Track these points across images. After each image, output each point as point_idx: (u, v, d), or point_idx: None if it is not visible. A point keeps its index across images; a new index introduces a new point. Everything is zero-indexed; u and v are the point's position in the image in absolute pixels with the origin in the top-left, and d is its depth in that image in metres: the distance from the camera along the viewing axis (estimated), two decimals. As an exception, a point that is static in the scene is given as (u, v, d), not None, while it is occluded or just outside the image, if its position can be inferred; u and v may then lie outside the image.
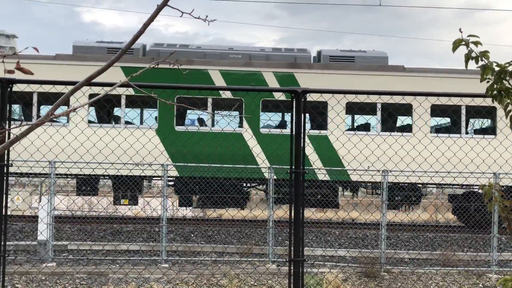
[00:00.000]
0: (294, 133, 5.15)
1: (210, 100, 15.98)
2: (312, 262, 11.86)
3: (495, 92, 2.96)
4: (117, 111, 17.31)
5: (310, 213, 17.15)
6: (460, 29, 2.95)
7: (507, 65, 2.92)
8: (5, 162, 4.64)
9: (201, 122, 16.78)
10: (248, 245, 13.14)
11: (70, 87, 2.60)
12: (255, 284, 10.21)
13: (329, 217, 17.79)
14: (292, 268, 5.12)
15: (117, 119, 17.05)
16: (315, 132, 15.67)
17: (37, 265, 11.07)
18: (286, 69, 16.18)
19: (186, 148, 14.11)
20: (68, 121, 15.48)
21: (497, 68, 2.92)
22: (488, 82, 2.97)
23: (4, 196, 4.67)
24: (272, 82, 15.97)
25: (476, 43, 2.92)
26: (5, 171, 4.65)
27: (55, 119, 15.38)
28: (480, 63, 2.94)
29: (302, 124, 5.17)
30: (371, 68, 16.24)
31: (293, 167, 5.13)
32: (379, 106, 15.83)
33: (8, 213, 15.52)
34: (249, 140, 15.71)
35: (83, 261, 11.77)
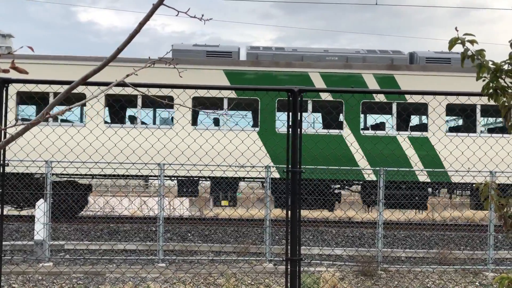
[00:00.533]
0: (290, 132, 5.15)
1: (310, 103, 16.00)
2: (309, 261, 11.87)
3: (491, 90, 2.97)
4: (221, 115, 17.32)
5: (306, 212, 17.18)
6: (456, 28, 2.96)
7: (502, 63, 2.92)
8: (1, 161, 4.63)
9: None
10: (245, 244, 13.15)
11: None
12: (252, 283, 10.21)
13: (325, 216, 17.80)
14: (289, 267, 5.13)
15: (217, 122, 17.07)
16: (417, 133, 15.79)
17: (34, 265, 11.05)
18: (385, 71, 16.22)
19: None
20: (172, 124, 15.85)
21: (492, 67, 2.92)
22: (484, 80, 2.98)
23: (0, 196, 4.66)
24: (372, 83, 15.98)
25: (472, 42, 2.92)
26: (0, 170, 4.63)
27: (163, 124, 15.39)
28: (476, 61, 2.95)
29: (298, 123, 5.17)
30: (468, 70, 16.28)
31: (290, 166, 5.14)
32: (479, 107, 15.86)
33: (4, 212, 15.51)
34: (348, 141, 15.70)
35: (80, 260, 11.76)
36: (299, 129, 5.17)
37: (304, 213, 16.66)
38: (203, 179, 16.12)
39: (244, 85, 15.54)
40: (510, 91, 2.95)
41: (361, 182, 16.25)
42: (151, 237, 13.80)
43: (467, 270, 11.59)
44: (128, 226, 14.60)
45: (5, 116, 4.67)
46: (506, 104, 3.07)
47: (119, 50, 2.57)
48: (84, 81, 2.66)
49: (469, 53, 2.95)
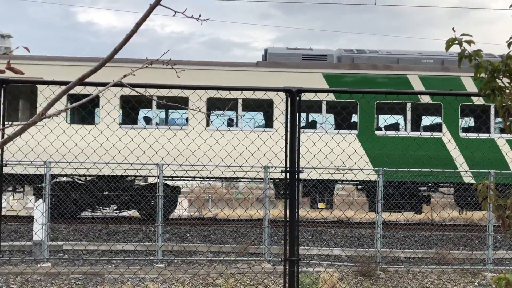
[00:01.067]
0: (288, 132, 5.15)
1: (409, 105, 16.03)
2: (307, 261, 11.87)
3: (488, 90, 2.97)
4: (317, 117, 17.46)
5: (305, 212, 17.18)
6: (453, 28, 2.96)
7: (499, 64, 2.93)
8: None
9: (397, 127, 16.85)
10: (244, 245, 13.14)
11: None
12: (251, 283, 10.21)
13: (324, 216, 17.80)
14: (287, 267, 5.12)
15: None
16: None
17: (32, 266, 11.04)
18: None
19: (385, 152, 14.13)
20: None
21: (490, 67, 2.93)
22: (481, 81, 2.99)
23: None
24: (470, 87, 15.86)
25: (469, 42, 2.93)
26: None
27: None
28: (473, 62, 2.95)
29: (297, 123, 5.17)
30: None
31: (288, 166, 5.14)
32: None
33: (3, 213, 15.48)
34: (448, 144, 15.59)
35: (78, 261, 11.75)
36: (297, 129, 5.17)
37: (303, 213, 16.67)
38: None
39: (344, 88, 15.60)
40: (507, 91, 2.95)
41: (453, 184, 16.05)
42: (150, 237, 13.80)
43: (465, 270, 11.59)
44: (127, 227, 14.59)
45: (3, 116, 4.67)
46: (504, 104, 3.08)
47: (116, 50, 2.57)
48: (81, 82, 2.66)
49: (466, 53, 2.95)
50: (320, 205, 15.99)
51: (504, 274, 2.75)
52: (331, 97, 15.65)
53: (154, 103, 15.99)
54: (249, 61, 17.82)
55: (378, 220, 11.87)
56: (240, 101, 15.51)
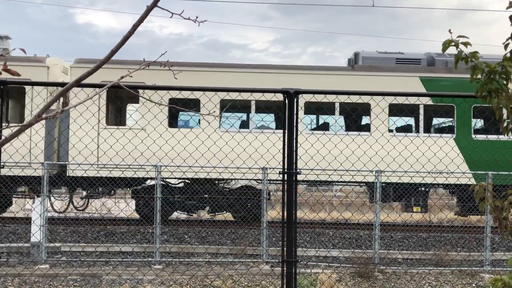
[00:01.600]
0: (286, 134, 5.15)
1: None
2: (305, 262, 11.87)
3: (485, 92, 2.98)
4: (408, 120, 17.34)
5: (303, 214, 17.14)
6: (449, 30, 2.96)
7: (496, 65, 2.93)
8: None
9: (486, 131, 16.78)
10: (242, 246, 13.14)
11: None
12: (249, 285, 10.21)
13: (322, 218, 17.80)
14: (285, 269, 5.13)
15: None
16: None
17: (30, 267, 11.03)
18: None
19: (487, 156, 13.91)
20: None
21: (486, 69, 2.93)
22: (478, 82, 2.99)
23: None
24: None
25: (466, 44, 2.93)
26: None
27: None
28: (470, 63, 2.96)
29: (295, 124, 5.18)
30: None
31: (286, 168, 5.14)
32: None
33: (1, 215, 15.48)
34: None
35: (76, 262, 11.74)
36: (295, 130, 5.18)
37: (301, 214, 16.64)
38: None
39: (440, 92, 15.45)
40: (504, 93, 2.96)
41: None
42: (148, 238, 13.79)
43: (463, 272, 11.60)
44: (125, 228, 14.58)
45: (0, 117, 4.67)
46: (501, 105, 3.08)
47: (113, 52, 2.57)
48: (78, 83, 2.66)
49: (463, 55, 2.96)
50: (415, 208, 15.97)
51: (501, 276, 2.76)
52: (422, 101, 15.39)
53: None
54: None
55: (376, 221, 11.88)
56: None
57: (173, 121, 16.56)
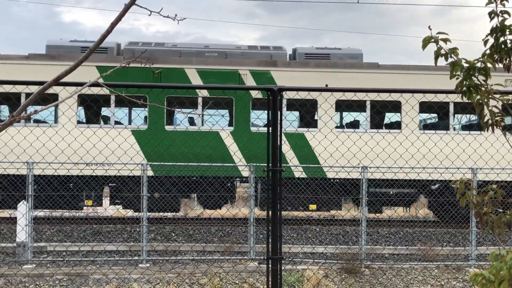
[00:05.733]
0: (270, 131, 5.15)
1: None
2: (291, 259, 11.89)
3: (464, 88, 2.99)
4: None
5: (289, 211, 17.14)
6: (429, 27, 2.97)
7: (475, 61, 2.95)
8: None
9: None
10: (229, 244, 13.14)
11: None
12: (236, 282, 10.21)
13: (307, 215, 17.84)
14: (270, 266, 5.13)
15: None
16: None
17: (16, 267, 10.96)
18: None
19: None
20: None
21: (466, 65, 2.94)
22: (457, 78, 3.00)
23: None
24: None
25: (445, 40, 2.94)
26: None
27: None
28: (450, 60, 2.97)
29: (279, 122, 5.18)
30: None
31: (270, 165, 5.14)
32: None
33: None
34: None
35: (62, 262, 11.68)
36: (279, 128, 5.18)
37: (287, 212, 16.68)
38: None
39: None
40: (483, 88, 2.97)
41: None
42: (135, 237, 13.74)
43: (449, 266, 11.69)
44: (111, 227, 14.53)
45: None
46: (481, 101, 3.10)
47: (91, 50, 2.55)
48: (57, 82, 2.64)
49: (443, 51, 2.97)
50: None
51: (481, 271, 2.77)
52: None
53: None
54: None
55: (362, 217, 11.92)
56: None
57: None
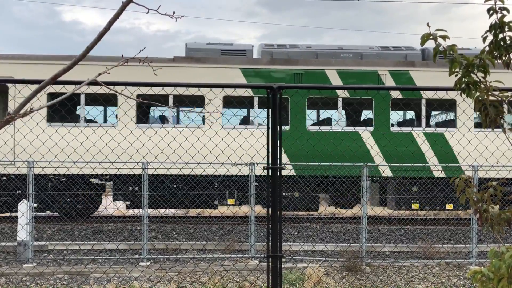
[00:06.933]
0: (270, 129, 5.14)
1: None
2: (291, 257, 11.89)
3: (463, 85, 2.98)
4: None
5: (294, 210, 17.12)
6: (428, 24, 2.96)
7: (474, 58, 2.94)
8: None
9: None
10: (230, 242, 13.14)
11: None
12: (237, 280, 10.21)
13: (308, 213, 17.84)
14: (270, 264, 5.13)
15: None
16: None
17: (17, 266, 10.96)
18: None
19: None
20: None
21: (464, 62, 2.93)
22: (456, 75, 2.99)
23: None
24: None
25: (444, 37, 2.93)
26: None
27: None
28: (448, 57, 2.96)
29: (278, 119, 5.17)
30: None
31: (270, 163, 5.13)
32: None
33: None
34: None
35: (63, 260, 11.68)
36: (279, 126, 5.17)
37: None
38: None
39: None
40: (482, 85, 2.96)
41: None
42: (136, 235, 13.75)
43: (450, 264, 11.68)
44: (112, 226, 14.53)
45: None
46: (480, 98, 3.09)
47: (89, 48, 2.55)
48: (54, 80, 2.64)
49: (441, 48, 2.96)
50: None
51: (480, 268, 2.77)
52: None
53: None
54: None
55: (363, 215, 11.91)
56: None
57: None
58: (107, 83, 2.86)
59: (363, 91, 15.04)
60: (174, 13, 2.76)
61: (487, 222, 3.30)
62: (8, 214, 15.11)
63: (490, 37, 2.99)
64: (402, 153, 14.48)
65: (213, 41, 18.53)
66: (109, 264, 11.21)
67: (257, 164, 11.92)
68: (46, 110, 14.96)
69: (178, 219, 16.02)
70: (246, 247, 12.46)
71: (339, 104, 15.87)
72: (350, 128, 15.81)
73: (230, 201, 15.87)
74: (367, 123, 16.63)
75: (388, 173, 15.59)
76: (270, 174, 5.15)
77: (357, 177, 14.01)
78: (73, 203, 15.56)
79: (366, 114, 17.08)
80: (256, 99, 15.82)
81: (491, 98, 3.01)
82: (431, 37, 2.93)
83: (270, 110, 5.19)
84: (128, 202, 15.88)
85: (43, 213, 16.02)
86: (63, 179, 15.59)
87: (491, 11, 2.93)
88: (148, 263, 11.43)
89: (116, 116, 15.96)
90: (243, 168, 14.46)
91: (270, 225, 5.16)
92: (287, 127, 15.59)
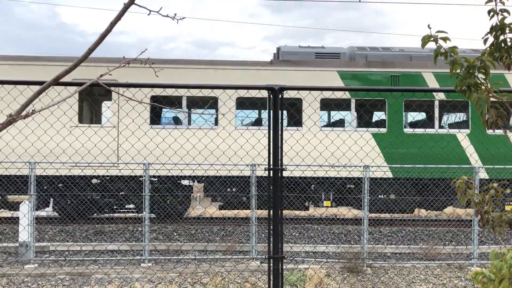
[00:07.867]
0: (271, 130, 5.15)
1: None
2: (292, 258, 11.89)
3: (464, 87, 2.98)
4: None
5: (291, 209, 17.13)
6: (428, 25, 2.97)
7: (475, 60, 2.94)
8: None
9: None
10: (231, 243, 13.14)
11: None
12: (238, 281, 10.21)
13: (309, 214, 17.83)
14: (271, 265, 5.13)
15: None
16: None
17: (18, 267, 10.98)
18: None
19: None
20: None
21: (465, 64, 2.94)
22: (457, 77, 3.00)
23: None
24: None
25: (445, 39, 2.93)
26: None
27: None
28: (449, 58, 2.96)
29: (280, 121, 5.17)
30: None
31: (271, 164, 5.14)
32: None
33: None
34: None
35: (64, 261, 11.69)
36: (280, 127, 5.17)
37: (287, 211, 16.68)
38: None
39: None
40: (483, 87, 2.96)
41: None
42: (137, 236, 13.75)
43: (451, 265, 11.68)
44: (113, 227, 14.54)
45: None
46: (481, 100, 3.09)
47: (91, 50, 2.56)
48: (56, 82, 2.64)
49: (442, 50, 2.96)
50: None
51: (481, 269, 2.77)
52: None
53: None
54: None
55: (364, 216, 11.91)
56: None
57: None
58: (108, 84, 2.87)
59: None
60: (175, 14, 2.77)
61: (488, 223, 3.30)
62: (9, 215, 15.11)
63: (491, 39, 2.99)
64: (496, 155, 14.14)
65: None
66: (110, 265, 11.22)
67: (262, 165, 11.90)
68: (148, 113, 15.24)
69: (179, 220, 16.03)
70: (247, 248, 12.46)
71: (436, 105, 15.86)
72: (444, 131, 15.82)
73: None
74: (461, 125, 16.62)
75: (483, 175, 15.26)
76: (271, 175, 5.15)
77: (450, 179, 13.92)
78: (168, 205, 15.65)
79: (461, 116, 17.14)
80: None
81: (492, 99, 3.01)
82: (432, 38, 2.94)
83: (271, 111, 5.19)
84: (221, 203, 16.05)
85: (140, 214, 16.10)
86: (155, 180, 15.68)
87: (492, 13, 2.93)
88: (150, 264, 11.44)
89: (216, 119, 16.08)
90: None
91: (271, 226, 5.17)
92: (384, 129, 15.74)
